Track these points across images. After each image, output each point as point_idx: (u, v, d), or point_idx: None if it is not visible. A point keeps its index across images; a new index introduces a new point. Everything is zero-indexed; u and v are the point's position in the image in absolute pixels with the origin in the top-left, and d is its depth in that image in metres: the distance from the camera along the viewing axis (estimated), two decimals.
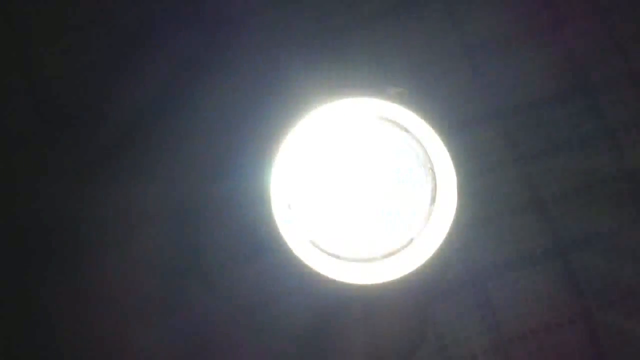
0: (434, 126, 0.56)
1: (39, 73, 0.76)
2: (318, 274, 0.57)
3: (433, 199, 0.58)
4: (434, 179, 0.58)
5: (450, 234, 0.55)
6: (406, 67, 0.80)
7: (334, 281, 0.57)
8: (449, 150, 0.56)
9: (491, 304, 0.79)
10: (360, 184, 0.60)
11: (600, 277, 0.79)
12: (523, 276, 0.79)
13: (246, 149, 0.67)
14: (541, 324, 0.79)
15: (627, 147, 0.80)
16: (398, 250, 0.58)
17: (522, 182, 0.79)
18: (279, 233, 0.56)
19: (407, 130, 0.58)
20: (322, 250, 0.58)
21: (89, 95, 0.76)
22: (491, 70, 0.80)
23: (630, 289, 0.79)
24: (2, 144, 0.76)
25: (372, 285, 0.57)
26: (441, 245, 0.55)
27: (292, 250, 0.56)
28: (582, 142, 0.80)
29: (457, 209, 0.55)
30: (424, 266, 0.55)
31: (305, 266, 0.56)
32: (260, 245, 0.64)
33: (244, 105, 0.74)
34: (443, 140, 0.56)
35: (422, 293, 0.70)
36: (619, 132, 0.80)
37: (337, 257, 0.59)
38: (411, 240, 0.58)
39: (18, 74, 0.75)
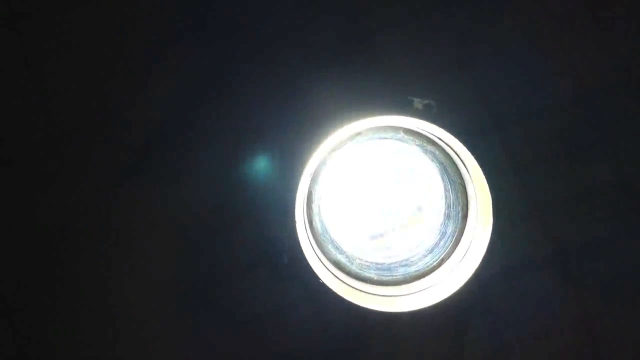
0: (466, 143, 0.53)
1: (62, 81, 0.80)
2: (341, 300, 0.52)
3: (465, 216, 0.54)
4: (465, 195, 0.54)
5: (488, 253, 0.50)
6: (407, 77, 0.78)
7: (358, 307, 0.52)
8: (483, 166, 0.52)
9: (492, 309, 0.76)
10: (385, 200, 0.57)
11: (600, 283, 0.79)
12: (524, 282, 0.78)
13: (273, 164, 0.64)
14: (542, 329, 0.79)
15: (625, 157, 0.81)
16: (428, 273, 0.54)
17: (522, 190, 0.77)
18: (301, 252, 0.51)
19: (435, 145, 0.55)
20: (347, 272, 0.53)
21: (112, 106, 0.79)
22: (490, 81, 0.80)
23: (630, 294, 0.79)
24: (20, 152, 0.81)
25: (400, 313, 0.52)
26: (479, 266, 0.51)
27: (315, 272, 0.51)
28: (580, 152, 0.80)
29: (493, 226, 0.51)
30: (461, 291, 0.51)
31: (329, 291, 0.51)
32: (281, 264, 0.59)
33: (271, 119, 0.72)
34: (477, 156, 0.52)
35: (456, 327, 0.66)
36: (617, 142, 0.81)
37: (362, 280, 0.54)
38: (442, 260, 0.54)
39: (42, 83, 0.81)
